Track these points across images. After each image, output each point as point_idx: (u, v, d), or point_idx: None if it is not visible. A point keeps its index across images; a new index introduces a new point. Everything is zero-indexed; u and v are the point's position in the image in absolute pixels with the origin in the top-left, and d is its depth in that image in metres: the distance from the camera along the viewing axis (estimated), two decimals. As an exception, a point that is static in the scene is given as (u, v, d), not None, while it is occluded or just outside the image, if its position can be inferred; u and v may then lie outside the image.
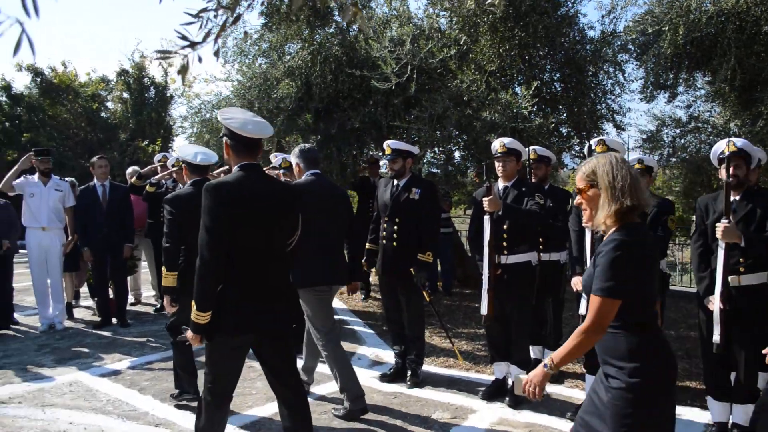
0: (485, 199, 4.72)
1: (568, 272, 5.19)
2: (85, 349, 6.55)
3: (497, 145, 5.00)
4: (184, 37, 1.66)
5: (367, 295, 9.23)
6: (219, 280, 3.25)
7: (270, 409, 4.86)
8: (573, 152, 8.44)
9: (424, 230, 5.31)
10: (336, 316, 8.08)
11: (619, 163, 2.56)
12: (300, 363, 5.16)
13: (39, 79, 19.62)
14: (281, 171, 6.20)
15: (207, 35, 1.65)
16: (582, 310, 4.41)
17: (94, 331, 7.31)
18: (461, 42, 7.17)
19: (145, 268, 9.22)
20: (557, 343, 5.67)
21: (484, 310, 4.85)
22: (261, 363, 3.57)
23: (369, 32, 7.02)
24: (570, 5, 7.64)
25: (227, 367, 3.44)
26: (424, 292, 5.40)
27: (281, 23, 7.92)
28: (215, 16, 1.66)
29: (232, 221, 3.23)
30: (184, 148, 5.05)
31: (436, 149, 8.18)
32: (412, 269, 5.23)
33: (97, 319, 7.69)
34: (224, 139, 3.43)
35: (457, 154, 8.12)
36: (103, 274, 7.56)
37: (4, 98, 19.41)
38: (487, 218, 4.80)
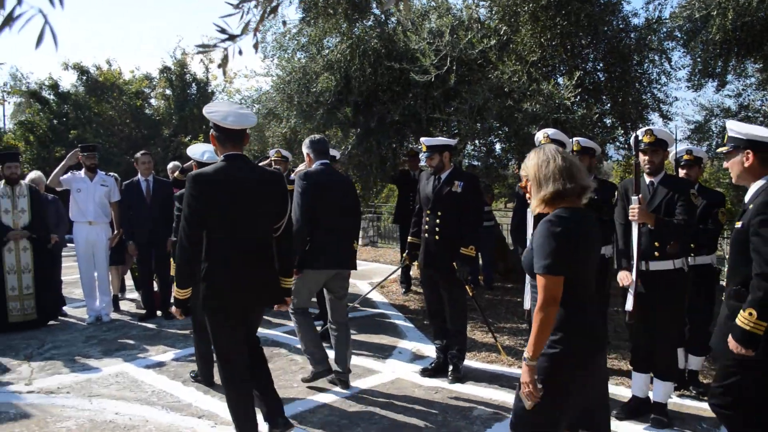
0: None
1: (615, 266, 5.07)
2: (131, 341, 6.66)
3: (540, 136, 4.91)
4: (223, 30, 1.64)
5: (408, 289, 9.19)
6: (196, 262, 3.61)
7: (311, 402, 4.87)
8: (618, 143, 8.26)
9: (466, 223, 5.24)
10: (376, 310, 8.15)
11: (546, 154, 2.79)
12: (331, 354, 5.27)
13: (85, 78, 20.05)
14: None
15: (246, 27, 1.63)
16: (629, 306, 4.31)
17: (139, 323, 7.43)
18: (501, 32, 7.07)
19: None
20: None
21: (527, 305, 4.77)
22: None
23: (408, 24, 6.98)
24: (613, -8, 7.48)
25: (230, 339, 3.73)
26: (467, 287, 5.34)
27: (319, 17, 7.92)
28: (256, 6, 1.63)
29: (210, 208, 3.54)
30: (193, 147, 5.30)
31: (476, 141, 8.09)
32: (454, 263, 5.18)
33: (142, 311, 7.81)
34: (211, 131, 3.72)
35: (497, 147, 8.03)
36: (148, 267, 7.71)
37: (52, 96, 19.86)
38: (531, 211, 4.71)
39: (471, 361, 5.83)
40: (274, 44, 8.63)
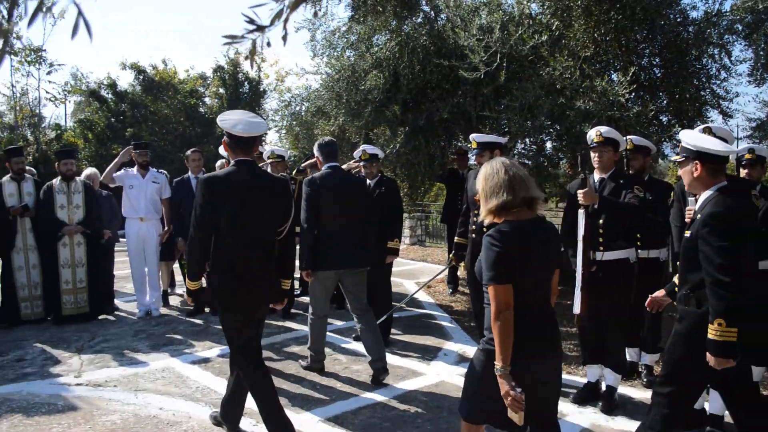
0: (580, 191, 4.48)
1: (670, 270, 4.87)
2: (178, 336, 6.74)
3: (593, 134, 4.74)
4: (251, 21, 1.58)
5: (455, 290, 9.08)
6: (205, 257, 3.85)
7: (354, 403, 4.82)
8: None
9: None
10: (422, 310, 8.06)
11: (493, 167, 2.97)
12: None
13: (142, 77, 20.52)
14: (362, 163, 6.23)
15: (276, 17, 1.56)
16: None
17: (187, 319, 7.51)
18: (553, 27, 6.89)
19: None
20: (655, 345, 5.35)
21: (576, 309, 4.60)
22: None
23: (458, 20, 6.86)
24: (671, -16, 7.20)
25: (240, 336, 3.92)
26: (513, 289, 5.21)
27: (368, 15, 7.88)
28: (287, -6, 1.57)
29: (218, 209, 3.73)
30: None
31: (527, 140, 7.93)
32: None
33: (191, 307, 7.90)
34: (224, 137, 3.95)
35: (548, 145, 7.84)
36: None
37: (110, 95, 20.40)
38: (582, 212, 4.55)
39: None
40: (323, 42, 8.64)
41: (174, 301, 8.52)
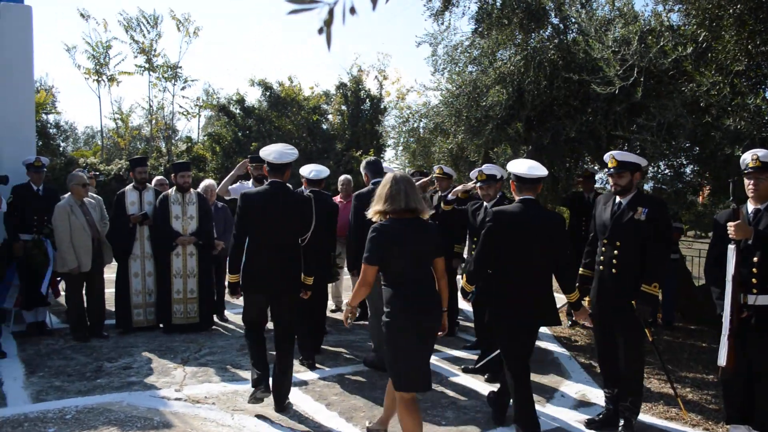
0: (731, 224, 3.88)
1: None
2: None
3: (748, 158, 4.11)
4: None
5: (574, 322, 8.42)
6: (242, 256, 4.82)
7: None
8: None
9: (651, 257, 4.51)
10: (537, 342, 7.44)
11: (387, 179, 3.94)
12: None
13: (268, 93, 21.08)
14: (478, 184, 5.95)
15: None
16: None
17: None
18: (699, 39, 6.19)
19: (347, 275, 9.21)
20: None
21: (722, 361, 3.98)
22: (272, 316, 5.03)
23: (591, 31, 6.32)
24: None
25: (252, 311, 5.02)
26: (646, 330, 4.60)
27: (493, 28, 7.49)
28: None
29: (250, 220, 4.79)
30: (303, 168, 6.41)
31: (661, 163, 7.21)
32: (633, 302, 4.48)
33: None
34: (265, 164, 5.04)
35: (688, 169, 7.07)
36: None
37: (238, 111, 21.09)
38: (732, 248, 3.94)
39: (646, 415, 5.06)
40: (445, 57, 8.33)
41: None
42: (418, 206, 3.88)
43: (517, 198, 4.43)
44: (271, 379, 4.89)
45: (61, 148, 21.34)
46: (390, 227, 3.83)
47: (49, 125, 20.11)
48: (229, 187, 7.55)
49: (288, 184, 5.05)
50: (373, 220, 3.93)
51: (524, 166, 4.42)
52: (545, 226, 4.32)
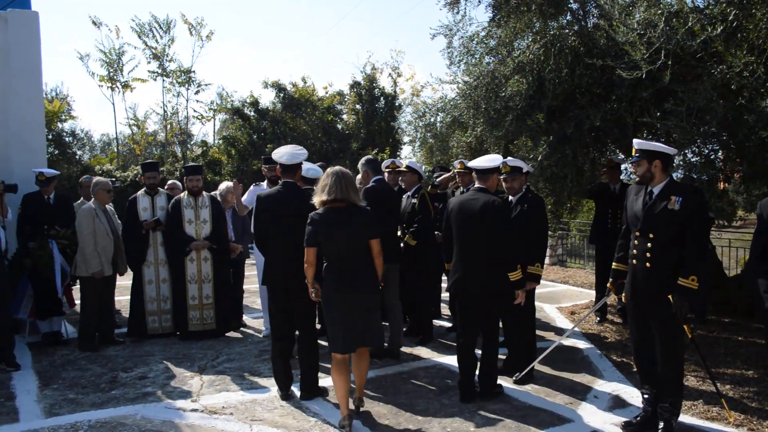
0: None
1: None
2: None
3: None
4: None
5: (602, 318, 8.13)
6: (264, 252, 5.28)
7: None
8: None
9: (688, 248, 4.24)
10: (566, 341, 7.19)
11: (327, 173, 4.65)
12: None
13: (282, 95, 20.95)
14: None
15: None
16: None
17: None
18: (729, 18, 5.88)
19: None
20: None
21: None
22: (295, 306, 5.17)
23: (615, 13, 6.03)
24: None
25: (274, 310, 5.28)
26: (685, 326, 4.33)
27: (510, 16, 7.23)
28: None
29: (266, 217, 5.13)
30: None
31: (692, 150, 6.90)
32: (670, 296, 4.21)
33: (318, 326, 7.55)
34: (278, 165, 5.30)
35: (719, 156, 6.77)
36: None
37: (252, 113, 20.98)
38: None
39: (685, 416, 4.79)
40: (461, 49, 8.09)
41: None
42: (351, 196, 4.55)
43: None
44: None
45: (77, 156, 21.36)
46: (324, 215, 4.55)
47: (65, 134, 20.12)
48: (243, 199, 7.26)
49: (299, 184, 5.37)
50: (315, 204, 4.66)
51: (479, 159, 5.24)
52: (482, 210, 4.97)
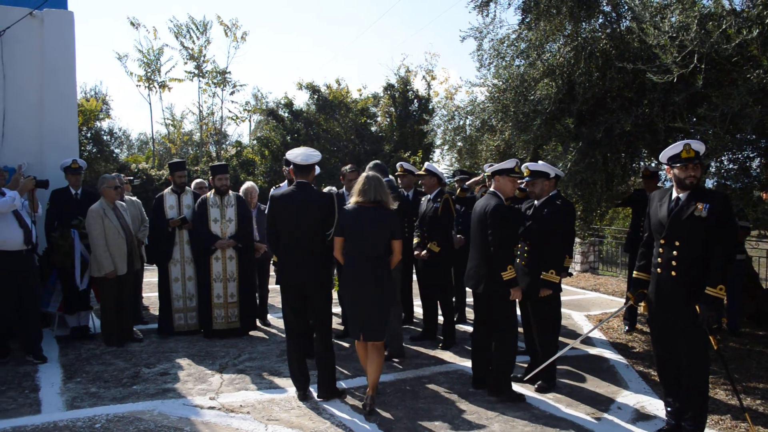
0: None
1: None
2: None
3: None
4: None
5: (631, 327, 7.94)
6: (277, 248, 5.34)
7: None
8: None
9: (715, 257, 4.11)
10: (592, 349, 7.05)
11: (361, 178, 5.09)
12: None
13: (316, 96, 21.02)
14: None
15: None
16: None
17: (336, 342, 7.14)
18: (766, 20, 5.71)
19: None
20: None
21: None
22: (310, 306, 5.26)
23: (646, 16, 5.90)
24: None
25: (286, 308, 5.35)
26: (710, 337, 4.19)
27: (541, 19, 7.13)
28: None
29: (278, 217, 5.19)
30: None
31: (724, 157, 6.70)
32: (697, 306, 4.09)
33: (340, 327, 7.54)
34: (290, 165, 5.43)
35: (755, 163, 6.56)
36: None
37: (286, 114, 21.09)
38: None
39: (711, 431, 4.64)
40: (491, 52, 8.01)
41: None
42: (383, 198, 4.98)
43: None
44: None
45: (114, 155, 21.73)
46: (355, 210, 4.96)
47: (103, 132, 20.46)
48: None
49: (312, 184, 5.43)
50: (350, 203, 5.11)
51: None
52: (481, 213, 5.26)
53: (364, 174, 5.14)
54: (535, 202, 5.66)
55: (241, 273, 7.25)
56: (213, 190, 7.26)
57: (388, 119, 21.51)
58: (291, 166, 5.48)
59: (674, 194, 4.30)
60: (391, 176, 6.86)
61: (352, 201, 5.05)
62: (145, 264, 7.96)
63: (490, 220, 5.13)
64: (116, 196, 6.92)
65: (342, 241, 5.01)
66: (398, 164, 7.90)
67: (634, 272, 4.65)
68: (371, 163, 6.70)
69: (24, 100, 7.81)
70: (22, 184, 6.21)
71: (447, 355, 6.65)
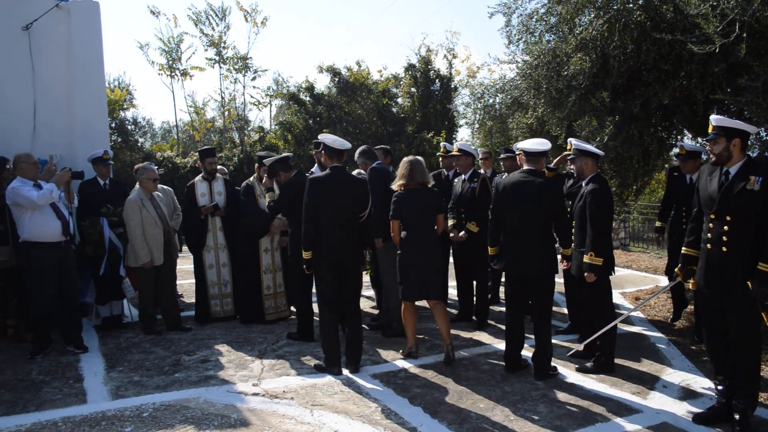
0: None
1: None
2: (364, 344, 6.30)
3: None
4: None
5: (677, 317, 7.64)
6: (314, 234, 5.43)
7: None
8: None
9: (767, 232, 4.00)
10: (633, 328, 6.94)
11: (405, 162, 5.78)
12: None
13: (337, 79, 20.91)
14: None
15: None
16: None
17: (371, 323, 7.13)
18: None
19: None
20: None
21: None
22: (342, 285, 5.56)
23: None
24: None
25: (323, 285, 5.54)
26: (763, 314, 4.10)
27: (572, -9, 6.96)
28: None
29: (318, 201, 5.38)
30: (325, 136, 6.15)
31: (761, 130, 6.52)
32: (749, 282, 3.99)
33: (376, 311, 7.51)
34: (322, 151, 5.78)
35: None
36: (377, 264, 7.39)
37: (308, 98, 21.02)
38: None
39: (763, 409, 4.55)
40: (519, 27, 7.86)
41: (363, 304, 8.18)
42: (425, 179, 5.71)
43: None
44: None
45: (139, 144, 21.83)
46: (406, 194, 5.67)
47: (127, 122, 20.55)
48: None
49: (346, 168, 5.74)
50: (395, 189, 5.77)
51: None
52: (539, 193, 5.18)
53: (405, 159, 5.75)
54: (583, 182, 5.55)
55: (285, 261, 7.22)
56: (255, 177, 7.36)
57: (410, 100, 21.35)
58: (322, 149, 5.73)
59: (725, 168, 4.19)
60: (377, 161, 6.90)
61: (396, 184, 5.73)
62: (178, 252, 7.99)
63: (555, 199, 5.27)
64: (154, 188, 6.93)
65: (398, 224, 5.68)
66: (443, 144, 7.92)
67: (683, 248, 4.54)
68: (359, 151, 6.96)
69: (54, 93, 7.82)
70: (58, 176, 6.23)
71: (484, 337, 6.61)
